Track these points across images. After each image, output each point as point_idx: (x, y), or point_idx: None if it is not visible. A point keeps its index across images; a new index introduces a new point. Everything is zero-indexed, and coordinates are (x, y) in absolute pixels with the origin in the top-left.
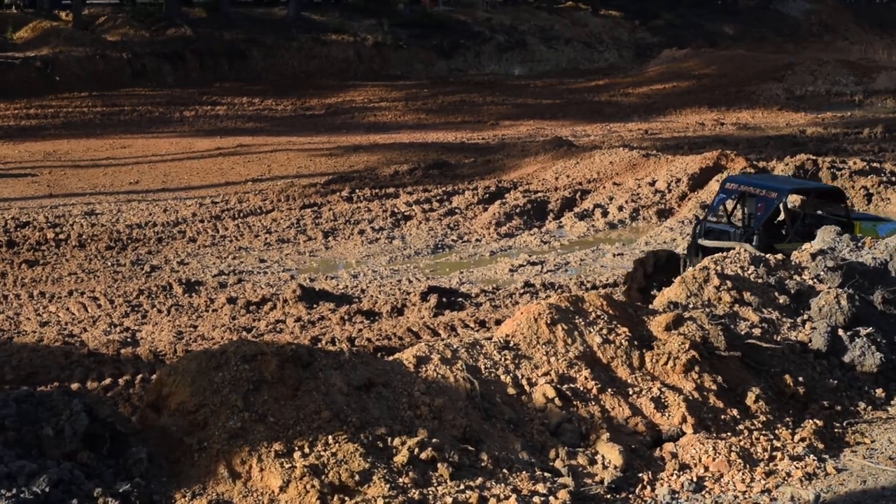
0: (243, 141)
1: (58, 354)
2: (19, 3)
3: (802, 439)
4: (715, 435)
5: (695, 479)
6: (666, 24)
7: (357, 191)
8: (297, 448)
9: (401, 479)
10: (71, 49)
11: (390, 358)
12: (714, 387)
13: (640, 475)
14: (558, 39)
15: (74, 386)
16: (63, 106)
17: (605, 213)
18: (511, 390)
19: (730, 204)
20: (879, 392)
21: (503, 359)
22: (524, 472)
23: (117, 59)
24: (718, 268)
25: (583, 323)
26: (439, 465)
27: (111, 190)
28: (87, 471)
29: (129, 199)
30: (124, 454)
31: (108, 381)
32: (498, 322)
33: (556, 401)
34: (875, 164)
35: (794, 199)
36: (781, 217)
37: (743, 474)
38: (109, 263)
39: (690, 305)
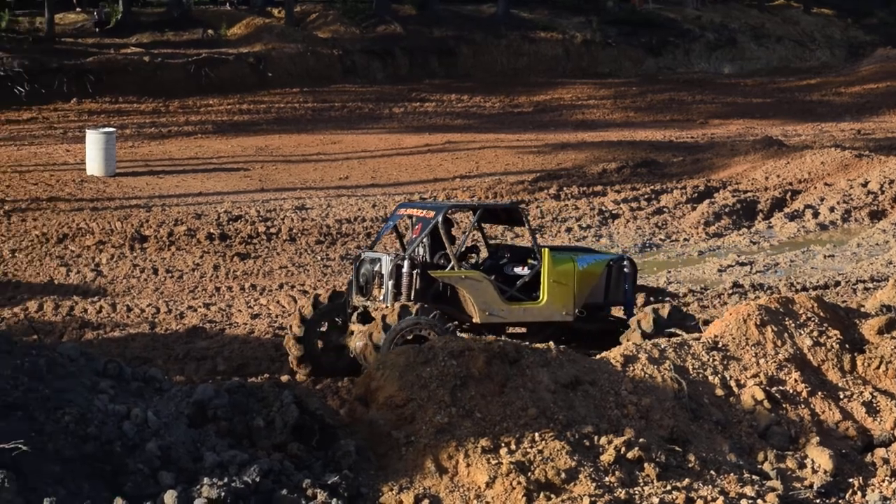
0: (451, 138)
1: (268, 346)
2: (233, 0)
3: None
4: None
5: None
6: (879, 23)
7: (565, 188)
8: (503, 444)
9: (607, 478)
10: (283, 45)
11: (597, 356)
12: None
13: (851, 480)
14: (769, 37)
15: (284, 378)
16: (275, 102)
17: (815, 214)
18: (719, 391)
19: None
20: None
21: (711, 359)
22: (732, 474)
23: (328, 55)
24: None
25: (793, 325)
26: (646, 464)
27: (321, 185)
28: (297, 462)
29: (339, 194)
30: (333, 446)
31: None
32: (706, 322)
33: (765, 403)
34: None
35: None
36: (469, 243)
37: None
38: (319, 257)
39: None
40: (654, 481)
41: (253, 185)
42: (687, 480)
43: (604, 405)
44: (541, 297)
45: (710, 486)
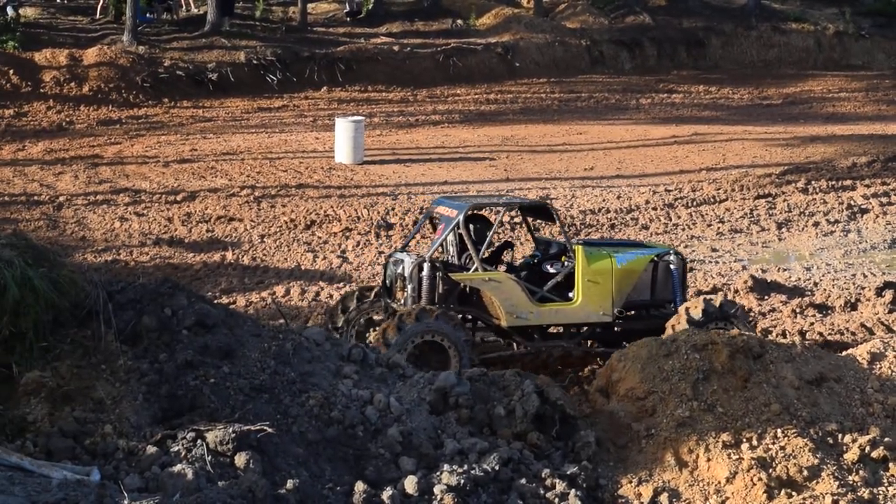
0: (698, 129)
1: None
2: None
3: None
4: None
5: None
6: None
7: (813, 182)
8: (745, 440)
9: (850, 477)
10: (531, 36)
11: (843, 353)
12: None
13: None
14: None
15: None
16: (522, 92)
17: None
18: None
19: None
20: None
21: None
22: None
23: (576, 45)
24: None
25: None
26: (891, 464)
27: (566, 175)
28: (536, 451)
29: (584, 184)
30: (572, 437)
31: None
32: None
33: None
34: None
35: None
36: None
37: None
38: None
39: None
40: None
41: (498, 174)
42: None
43: (849, 403)
44: (575, 298)
45: None
